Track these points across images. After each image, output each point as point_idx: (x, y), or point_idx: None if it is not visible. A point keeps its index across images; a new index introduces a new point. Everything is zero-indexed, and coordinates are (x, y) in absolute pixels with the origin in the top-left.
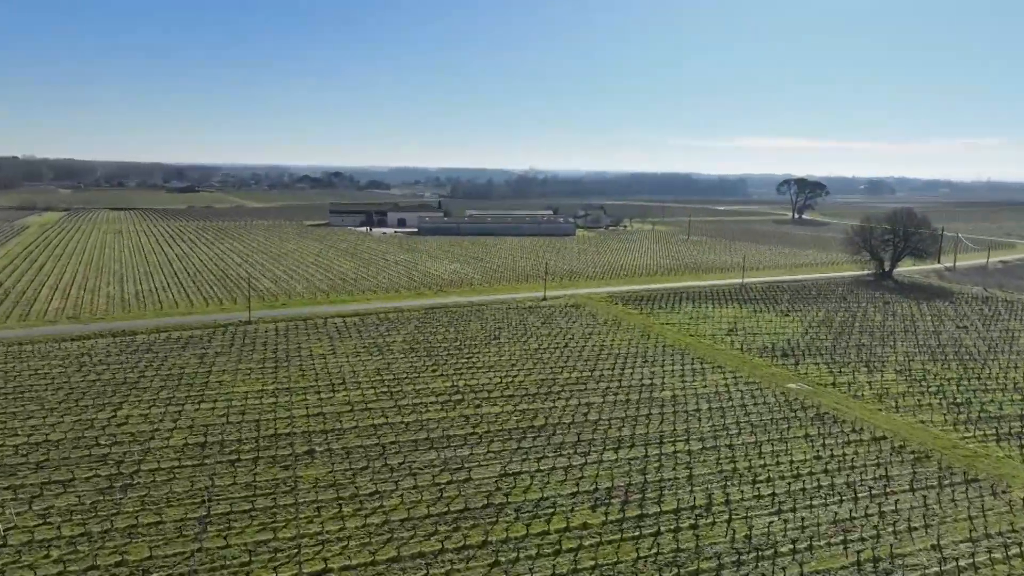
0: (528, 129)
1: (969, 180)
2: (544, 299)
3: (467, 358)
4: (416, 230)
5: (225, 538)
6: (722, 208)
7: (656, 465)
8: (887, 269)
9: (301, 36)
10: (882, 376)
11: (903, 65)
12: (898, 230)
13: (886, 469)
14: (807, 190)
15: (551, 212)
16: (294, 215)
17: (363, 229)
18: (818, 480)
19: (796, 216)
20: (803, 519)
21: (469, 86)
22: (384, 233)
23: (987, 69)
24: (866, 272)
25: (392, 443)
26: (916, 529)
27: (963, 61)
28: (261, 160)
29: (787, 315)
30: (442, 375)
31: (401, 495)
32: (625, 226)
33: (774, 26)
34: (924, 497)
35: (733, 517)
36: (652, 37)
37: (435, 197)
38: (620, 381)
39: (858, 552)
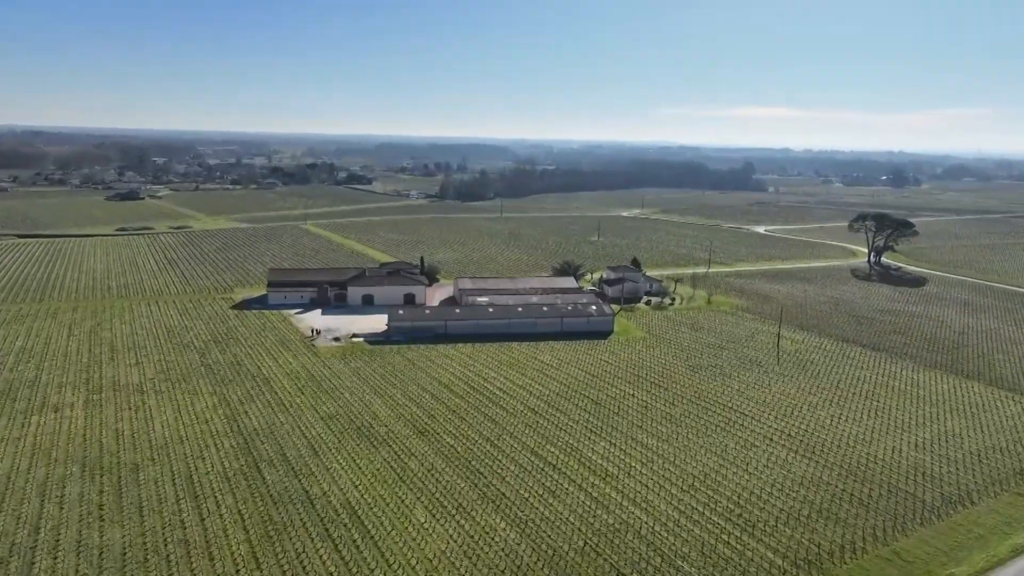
0: (518, 99)
1: (970, 154)
2: None
3: None
4: (385, 328)
5: None
6: (762, 231)
7: None
8: None
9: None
10: None
11: (893, 34)
12: None
13: None
14: (888, 229)
15: (573, 280)
16: (238, 252)
17: (308, 330)
18: None
19: (874, 260)
20: None
21: (461, 53)
22: (337, 341)
23: (972, 39)
24: None
25: None
26: None
27: (949, 31)
28: (246, 127)
29: None
30: None
31: None
32: (672, 299)
33: None
34: None
35: None
36: (650, 5)
37: (421, 197)
38: None
39: None
